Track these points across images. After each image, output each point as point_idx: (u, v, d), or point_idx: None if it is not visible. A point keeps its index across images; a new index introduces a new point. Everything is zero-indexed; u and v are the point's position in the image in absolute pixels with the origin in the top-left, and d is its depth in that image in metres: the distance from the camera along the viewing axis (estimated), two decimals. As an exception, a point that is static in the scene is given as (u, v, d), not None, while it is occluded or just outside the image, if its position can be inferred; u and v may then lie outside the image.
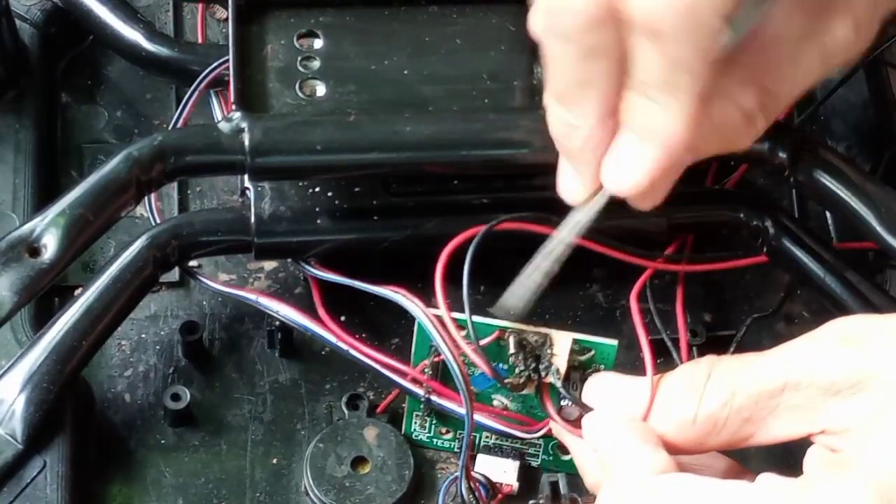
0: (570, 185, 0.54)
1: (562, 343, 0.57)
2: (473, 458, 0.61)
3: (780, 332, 0.67)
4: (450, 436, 0.62)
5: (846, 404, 0.50)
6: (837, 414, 0.50)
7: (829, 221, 0.70)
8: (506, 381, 0.57)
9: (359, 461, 0.60)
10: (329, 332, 0.60)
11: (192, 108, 0.65)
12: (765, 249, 0.64)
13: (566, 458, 0.60)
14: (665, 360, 0.64)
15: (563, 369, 0.57)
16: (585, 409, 0.56)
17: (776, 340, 0.65)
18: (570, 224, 0.54)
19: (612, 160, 0.52)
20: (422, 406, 0.60)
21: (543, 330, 0.57)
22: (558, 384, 0.57)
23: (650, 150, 0.51)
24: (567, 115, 0.52)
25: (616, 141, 0.51)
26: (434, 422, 0.61)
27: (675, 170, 0.53)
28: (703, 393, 0.52)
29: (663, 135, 0.50)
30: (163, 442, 0.62)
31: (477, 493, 0.58)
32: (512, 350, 0.57)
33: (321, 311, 0.62)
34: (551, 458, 0.61)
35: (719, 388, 0.52)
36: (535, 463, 0.62)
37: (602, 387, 0.56)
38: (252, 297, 0.62)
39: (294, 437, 0.62)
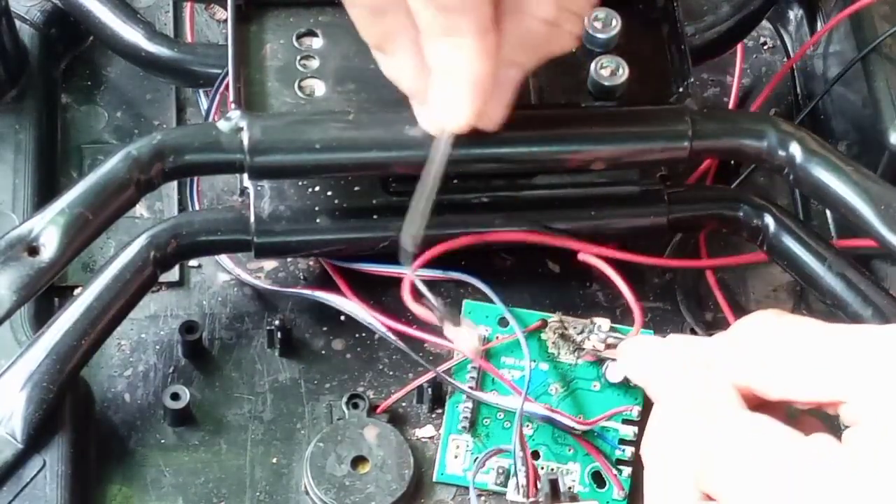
0: (422, 119, 0.57)
1: (600, 323, 0.62)
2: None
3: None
4: (488, 473, 0.61)
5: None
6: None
7: (830, 220, 0.69)
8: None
9: (359, 460, 0.60)
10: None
11: (219, 106, 0.65)
12: (764, 248, 0.64)
13: (602, 491, 0.61)
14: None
15: (605, 325, 0.61)
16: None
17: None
18: (436, 157, 0.56)
19: (435, 103, 0.55)
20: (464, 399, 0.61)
21: (582, 320, 0.62)
22: (602, 336, 0.61)
23: (460, 87, 0.53)
24: (389, 63, 0.56)
25: (431, 84, 0.54)
26: (472, 447, 0.61)
27: (505, 88, 0.55)
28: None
29: (464, 71, 0.53)
30: (163, 441, 0.62)
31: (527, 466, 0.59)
32: (552, 339, 0.61)
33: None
34: (587, 487, 0.61)
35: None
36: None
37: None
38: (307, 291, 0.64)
39: (294, 436, 0.62)
